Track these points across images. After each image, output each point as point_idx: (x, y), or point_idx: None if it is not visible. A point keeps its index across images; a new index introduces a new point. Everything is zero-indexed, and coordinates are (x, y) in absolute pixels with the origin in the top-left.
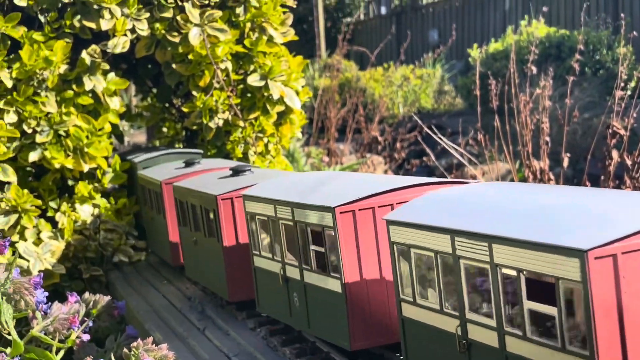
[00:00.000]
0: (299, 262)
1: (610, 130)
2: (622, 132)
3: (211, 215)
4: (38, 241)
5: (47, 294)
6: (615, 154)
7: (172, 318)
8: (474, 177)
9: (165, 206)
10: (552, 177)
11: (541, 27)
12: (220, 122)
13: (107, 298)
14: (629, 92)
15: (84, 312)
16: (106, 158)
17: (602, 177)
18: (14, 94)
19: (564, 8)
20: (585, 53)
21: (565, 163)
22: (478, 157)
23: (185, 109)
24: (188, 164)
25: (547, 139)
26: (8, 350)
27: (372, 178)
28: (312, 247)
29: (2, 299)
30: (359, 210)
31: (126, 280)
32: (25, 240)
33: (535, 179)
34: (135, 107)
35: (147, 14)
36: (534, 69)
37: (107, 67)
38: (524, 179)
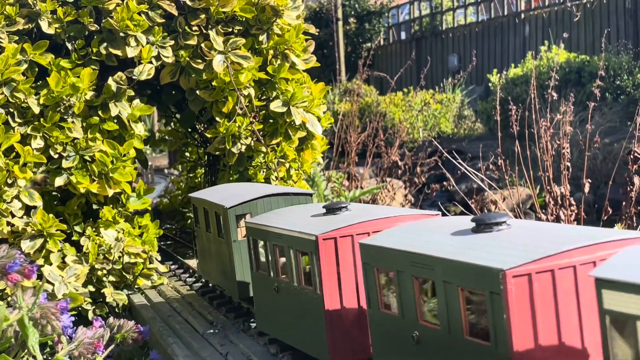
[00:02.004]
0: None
1: (631, 156)
2: None
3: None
4: (62, 265)
5: (73, 318)
6: (637, 179)
7: (195, 342)
8: (494, 203)
9: (320, 270)
10: (573, 202)
11: (561, 52)
12: (243, 148)
13: (131, 323)
14: None
15: (108, 336)
16: (130, 183)
17: (624, 203)
18: (41, 120)
19: (584, 34)
20: (605, 78)
21: (587, 189)
22: (498, 182)
23: (208, 135)
24: (331, 210)
25: (568, 164)
26: None
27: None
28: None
29: (29, 323)
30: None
31: (149, 304)
32: (50, 264)
33: (556, 204)
34: (157, 131)
35: (172, 42)
36: (555, 95)
37: (132, 93)
38: (544, 205)
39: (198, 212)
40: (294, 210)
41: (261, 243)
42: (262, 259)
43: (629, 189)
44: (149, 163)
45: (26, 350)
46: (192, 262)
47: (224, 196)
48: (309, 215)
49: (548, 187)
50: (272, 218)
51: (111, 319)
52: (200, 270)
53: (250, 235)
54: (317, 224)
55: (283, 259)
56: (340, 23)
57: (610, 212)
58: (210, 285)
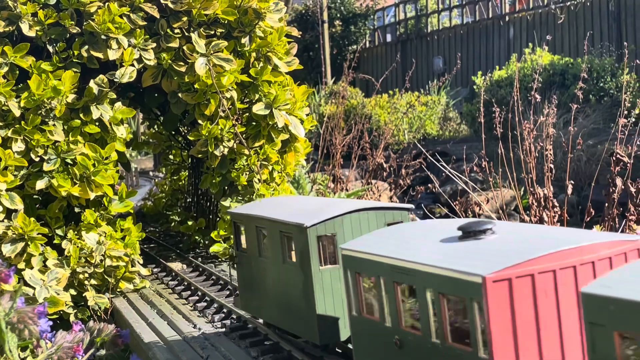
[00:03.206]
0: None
1: (614, 158)
2: (625, 159)
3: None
4: (44, 269)
5: (51, 323)
6: (619, 181)
7: (176, 346)
8: (478, 205)
9: (489, 324)
10: (556, 204)
11: (545, 54)
12: (226, 150)
13: (112, 326)
14: (632, 120)
15: (88, 340)
16: (112, 186)
17: (606, 205)
18: (22, 122)
19: (568, 36)
20: (589, 80)
21: (569, 190)
22: (483, 184)
23: (191, 137)
24: (472, 233)
25: (552, 166)
26: None
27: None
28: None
29: (6, 328)
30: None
31: (131, 307)
32: (32, 267)
33: (540, 206)
34: (142, 134)
35: (154, 44)
36: (538, 97)
37: (114, 96)
38: (528, 206)
39: (244, 232)
40: (409, 231)
41: (369, 279)
42: (371, 300)
43: (611, 190)
44: (134, 166)
45: (4, 355)
46: (175, 265)
47: (292, 212)
48: (438, 240)
49: (531, 189)
50: (383, 243)
51: (91, 323)
52: (243, 305)
53: (349, 266)
54: (467, 255)
55: (409, 303)
56: (325, 25)
57: (593, 214)
58: (242, 321)
